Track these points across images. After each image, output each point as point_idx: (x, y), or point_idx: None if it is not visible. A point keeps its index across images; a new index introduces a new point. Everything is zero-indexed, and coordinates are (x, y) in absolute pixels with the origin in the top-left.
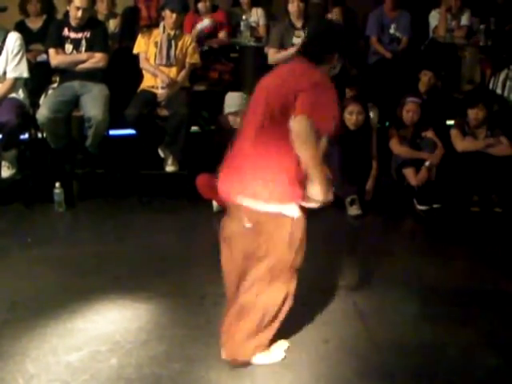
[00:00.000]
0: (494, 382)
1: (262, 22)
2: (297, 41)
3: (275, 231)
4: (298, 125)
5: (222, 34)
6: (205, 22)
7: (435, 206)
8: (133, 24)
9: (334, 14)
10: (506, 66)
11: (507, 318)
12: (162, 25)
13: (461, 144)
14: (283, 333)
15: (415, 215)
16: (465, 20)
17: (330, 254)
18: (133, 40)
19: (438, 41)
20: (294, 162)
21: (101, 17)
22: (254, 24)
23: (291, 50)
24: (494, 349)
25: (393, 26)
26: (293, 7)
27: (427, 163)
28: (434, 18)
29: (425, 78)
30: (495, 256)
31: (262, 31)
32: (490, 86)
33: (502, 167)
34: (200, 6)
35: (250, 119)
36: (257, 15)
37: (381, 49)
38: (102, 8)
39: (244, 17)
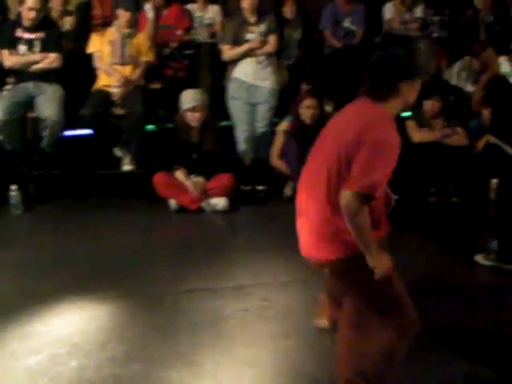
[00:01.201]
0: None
1: (217, 19)
2: (250, 36)
3: None
4: (345, 200)
5: (179, 31)
6: None
7: (394, 197)
8: (87, 22)
9: (288, 8)
10: (460, 56)
11: (460, 308)
12: (115, 23)
13: (417, 135)
14: (244, 330)
15: None
16: (419, 12)
17: (289, 248)
18: (87, 39)
19: (393, 33)
20: None
21: (55, 14)
22: (209, 21)
23: (245, 47)
24: (439, 337)
25: (347, 20)
26: (246, 3)
27: None
28: (389, 10)
29: None
30: (452, 246)
31: (218, 28)
32: (446, 77)
33: (459, 157)
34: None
35: (319, 166)
36: (213, 12)
37: (335, 42)
38: (55, 4)
39: (199, 13)
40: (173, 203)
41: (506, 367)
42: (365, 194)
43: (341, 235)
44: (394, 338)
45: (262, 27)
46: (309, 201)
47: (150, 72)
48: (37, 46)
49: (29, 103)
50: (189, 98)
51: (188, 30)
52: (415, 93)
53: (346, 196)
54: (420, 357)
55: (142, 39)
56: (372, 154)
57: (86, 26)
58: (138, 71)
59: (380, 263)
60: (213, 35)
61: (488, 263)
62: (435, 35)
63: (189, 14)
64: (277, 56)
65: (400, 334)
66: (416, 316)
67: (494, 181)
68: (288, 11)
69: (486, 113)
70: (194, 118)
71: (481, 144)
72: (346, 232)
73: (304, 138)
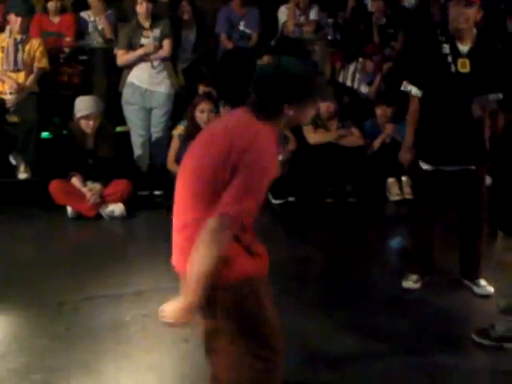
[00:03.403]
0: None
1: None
2: (145, 41)
3: None
4: (208, 226)
5: (68, 39)
6: None
7: (290, 199)
8: None
9: (184, 11)
10: (354, 58)
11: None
12: (7, 29)
13: (313, 136)
14: (145, 335)
15: (271, 209)
16: (313, 15)
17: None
18: None
19: (288, 36)
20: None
21: None
22: (102, 26)
23: (140, 52)
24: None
25: (242, 23)
26: (140, 8)
27: (280, 157)
28: (283, 13)
29: None
30: (351, 246)
31: (108, 34)
32: (340, 78)
33: (354, 157)
34: (50, 5)
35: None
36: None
37: (230, 45)
38: None
39: (92, 19)
40: (70, 210)
41: None
42: (232, 222)
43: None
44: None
45: (157, 32)
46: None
47: (44, 78)
48: None
49: None
50: (82, 106)
51: (79, 36)
52: (308, 115)
53: (209, 222)
54: None
55: (35, 45)
56: (246, 180)
57: None
58: (32, 77)
59: (185, 305)
60: (106, 40)
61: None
62: (330, 37)
63: (81, 21)
64: (172, 60)
65: (268, 366)
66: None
67: (390, 180)
68: (183, 12)
69: (379, 113)
70: (88, 126)
71: (376, 144)
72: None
73: None
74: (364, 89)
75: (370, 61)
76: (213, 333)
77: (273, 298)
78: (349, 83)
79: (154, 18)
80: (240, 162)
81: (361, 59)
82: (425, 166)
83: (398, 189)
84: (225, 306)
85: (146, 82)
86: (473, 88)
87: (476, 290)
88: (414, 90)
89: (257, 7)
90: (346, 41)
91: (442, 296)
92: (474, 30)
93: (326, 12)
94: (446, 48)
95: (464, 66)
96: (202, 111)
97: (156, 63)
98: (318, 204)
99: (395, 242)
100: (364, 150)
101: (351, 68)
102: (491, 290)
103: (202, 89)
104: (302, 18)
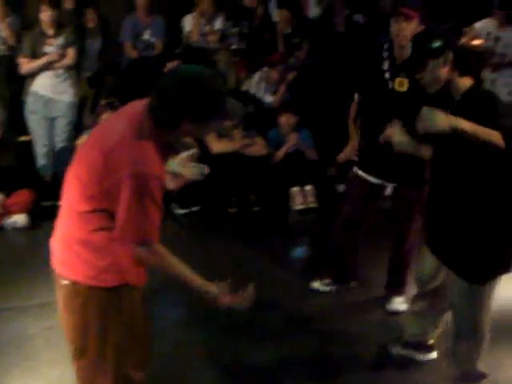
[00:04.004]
0: None
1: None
2: (49, 49)
3: None
4: (141, 260)
5: None
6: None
7: (194, 208)
8: None
9: (89, 19)
10: (259, 67)
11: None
12: None
13: (216, 146)
14: (49, 348)
15: (175, 219)
16: (218, 24)
17: None
18: None
19: (192, 45)
20: None
21: None
22: (4, 33)
23: (43, 60)
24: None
25: (147, 32)
26: (44, 15)
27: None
28: (188, 22)
29: None
30: (255, 255)
31: (10, 41)
32: (245, 87)
33: (258, 167)
34: None
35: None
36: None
37: (134, 54)
38: None
39: None
40: None
41: None
42: (147, 244)
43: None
44: None
45: (61, 40)
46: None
47: None
48: None
49: None
50: None
51: None
52: (209, 132)
53: (135, 256)
54: None
55: None
56: (137, 198)
57: None
58: None
59: (210, 292)
60: (9, 48)
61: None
62: (234, 47)
63: None
64: (76, 69)
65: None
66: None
67: (294, 189)
68: (88, 20)
69: (283, 122)
70: None
71: (280, 154)
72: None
73: None
74: (268, 98)
75: (274, 70)
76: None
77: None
78: (253, 92)
79: (58, 26)
80: (122, 185)
81: (265, 68)
82: (355, 169)
83: (301, 198)
84: (102, 308)
85: (50, 90)
86: (409, 107)
87: (388, 305)
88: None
89: (162, 16)
90: (251, 50)
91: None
92: None
93: (230, 21)
94: (386, 64)
95: (401, 85)
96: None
97: (60, 72)
98: (223, 213)
99: (299, 251)
100: (268, 160)
101: (256, 77)
102: (403, 306)
103: (103, 99)
104: (207, 28)
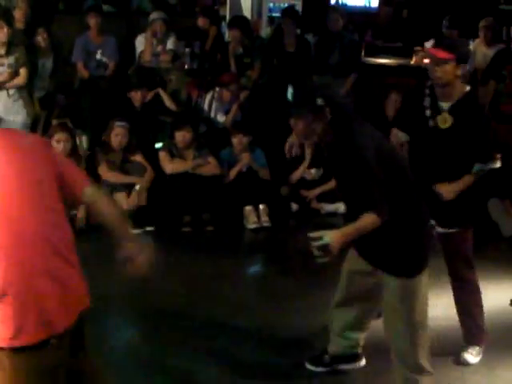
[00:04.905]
0: None
1: None
2: (0, 69)
3: None
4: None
5: None
6: None
7: (148, 228)
8: None
9: (41, 38)
10: (211, 87)
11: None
12: None
13: (169, 166)
14: None
15: None
16: (170, 44)
17: None
18: None
19: (144, 65)
20: None
21: None
22: None
23: None
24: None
25: (99, 52)
26: None
27: (137, 187)
28: (140, 43)
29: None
30: (208, 274)
31: None
32: (197, 107)
33: (211, 186)
34: None
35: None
36: None
37: (86, 74)
38: None
39: None
40: None
41: None
42: None
43: None
44: None
45: (12, 59)
46: None
47: None
48: None
49: None
50: None
51: None
52: None
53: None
54: None
55: None
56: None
57: None
58: None
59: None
60: None
61: None
62: (186, 67)
63: None
64: (28, 89)
65: None
66: None
67: (248, 208)
68: (40, 40)
69: (235, 141)
70: None
71: (233, 173)
72: None
73: None
74: (220, 118)
75: (226, 90)
76: None
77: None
78: (205, 112)
79: (9, 45)
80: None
81: (217, 88)
82: None
83: (255, 217)
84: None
85: (2, 111)
86: (452, 144)
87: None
88: (401, 135)
89: (114, 36)
90: (203, 70)
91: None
92: (459, 85)
93: (182, 41)
94: (427, 101)
95: (444, 122)
96: (58, 141)
97: (12, 92)
98: (176, 233)
99: (253, 269)
100: (221, 179)
101: (208, 97)
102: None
103: (55, 120)
104: (159, 48)
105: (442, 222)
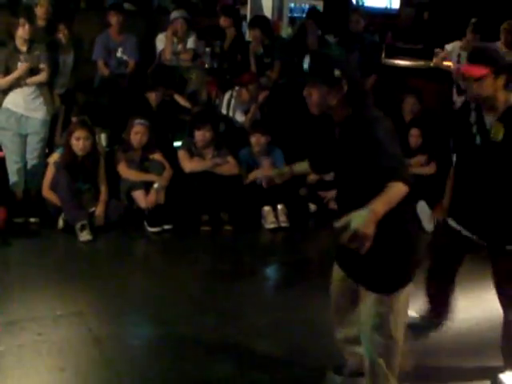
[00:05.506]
0: None
1: None
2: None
3: None
4: None
5: None
6: None
7: (166, 227)
8: None
9: (61, 35)
10: (230, 86)
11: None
12: None
13: (188, 165)
14: (20, 365)
15: (147, 238)
16: (190, 43)
17: (63, 281)
18: None
19: (165, 64)
20: None
21: None
22: None
23: (15, 75)
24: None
25: (120, 50)
26: (23, 31)
27: (156, 185)
28: (161, 41)
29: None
30: (227, 273)
31: None
32: (216, 106)
33: (230, 186)
34: None
35: None
36: None
37: (107, 72)
38: None
39: None
40: None
41: None
42: None
43: None
44: None
45: (33, 56)
46: None
47: None
48: None
49: None
50: None
51: None
52: None
53: None
54: None
55: None
56: None
57: None
58: None
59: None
60: None
61: None
62: (206, 66)
63: None
64: (49, 86)
65: None
66: None
67: (266, 208)
68: (61, 36)
69: (253, 141)
70: None
71: (251, 177)
72: None
73: (75, 169)
74: (239, 117)
75: (245, 90)
76: None
77: None
78: (224, 111)
79: (31, 43)
80: None
81: (237, 88)
82: (449, 221)
83: (273, 217)
84: None
85: (22, 107)
86: (504, 156)
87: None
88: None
89: (134, 34)
90: (223, 69)
91: None
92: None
93: (202, 41)
94: (473, 116)
95: (497, 133)
96: (78, 139)
97: (32, 88)
98: (195, 232)
99: (271, 269)
100: (239, 179)
101: (227, 96)
102: None
103: (75, 117)
104: (180, 47)
105: (498, 239)
